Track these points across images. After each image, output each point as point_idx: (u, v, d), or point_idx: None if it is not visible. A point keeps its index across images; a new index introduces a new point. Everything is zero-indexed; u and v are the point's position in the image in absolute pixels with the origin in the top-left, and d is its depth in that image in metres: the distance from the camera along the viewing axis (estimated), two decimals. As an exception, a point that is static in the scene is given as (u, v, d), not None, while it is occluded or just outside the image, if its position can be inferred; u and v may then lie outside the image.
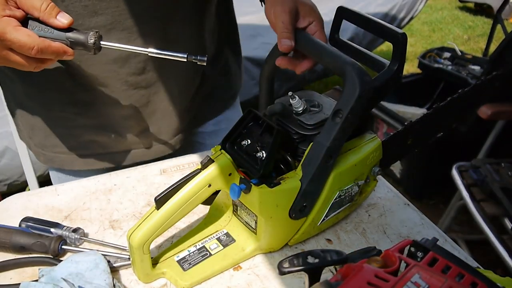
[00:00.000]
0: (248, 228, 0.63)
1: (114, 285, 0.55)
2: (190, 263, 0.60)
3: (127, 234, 0.56)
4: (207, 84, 0.87)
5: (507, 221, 1.40)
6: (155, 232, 0.55)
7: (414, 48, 4.04)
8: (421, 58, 2.53)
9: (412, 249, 0.45)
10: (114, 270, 0.59)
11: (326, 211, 0.61)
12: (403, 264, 0.41)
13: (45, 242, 0.61)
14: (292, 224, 0.60)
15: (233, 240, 0.63)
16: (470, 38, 4.35)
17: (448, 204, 1.77)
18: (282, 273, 0.42)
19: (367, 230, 0.68)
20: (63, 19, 0.55)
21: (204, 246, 0.63)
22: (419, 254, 0.44)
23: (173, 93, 0.80)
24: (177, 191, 0.56)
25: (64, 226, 0.65)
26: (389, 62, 0.59)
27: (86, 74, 0.72)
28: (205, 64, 0.58)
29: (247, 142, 0.58)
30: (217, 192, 0.62)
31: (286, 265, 0.42)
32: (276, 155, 0.57)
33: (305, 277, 0.43)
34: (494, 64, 1.70)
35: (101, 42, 0.57)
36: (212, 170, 0.56)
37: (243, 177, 0.57)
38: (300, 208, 0.58)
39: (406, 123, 0.71)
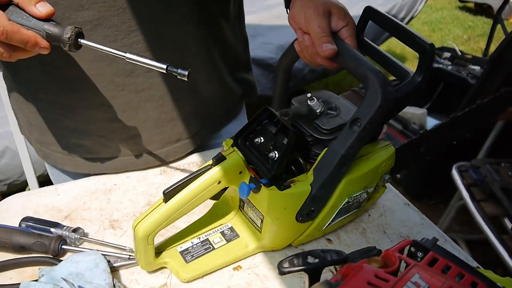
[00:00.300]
0: (253, 226, 0.62)
1: (114, 285, 0.55)
2: (192, 255, 0.60)
3: (133, 224, 0.56)
4: (211, 101, 0.84)
5: (507, 221, 1.39)
6: (161, 224, 0.55)
7: (414, 48, 4.03)
8: (421, 58, 2.53)
9: (412, 249, 0.45)
10: (114, 270, 0.59)
11: (333, 216, 0.61)
12: (403, 264, 0.41)
13: (45, 242, 0.61)
14: (298, 227, 0.60)
15: (237, 236, 0.63)
16: (470, 38, 4.35)
17: (448, 204, 1.77)
18: (282, 273, 0.42)
19: (367, 230, 0.68)
20: (42, 8, 0.52)
21: (207, 239, 0.62)
22: (419, 254, 0.44)
23: (170, 104, 0.76)
24: (186, 186, 0.56)
25: (64, 226, 0.65)
26: (413, 72, 0.57)
27: (71, 75, 0.69)
28: (186, 79, 0.53)
29: (260, 140, 0.57)
30: (225, 188, 0.62)
31: (286, 265, 0.42)
32: (288, 156, 0.56)
33: (305, 277, 0.43)
34: (494, 64, 1.70)
35: (80, 40, 0.54)
36: (223, 167, 0.56)
37: (253, 176, 0.57)
38: (307, 212, 0.58)
39: (421, 132, 0.70)
